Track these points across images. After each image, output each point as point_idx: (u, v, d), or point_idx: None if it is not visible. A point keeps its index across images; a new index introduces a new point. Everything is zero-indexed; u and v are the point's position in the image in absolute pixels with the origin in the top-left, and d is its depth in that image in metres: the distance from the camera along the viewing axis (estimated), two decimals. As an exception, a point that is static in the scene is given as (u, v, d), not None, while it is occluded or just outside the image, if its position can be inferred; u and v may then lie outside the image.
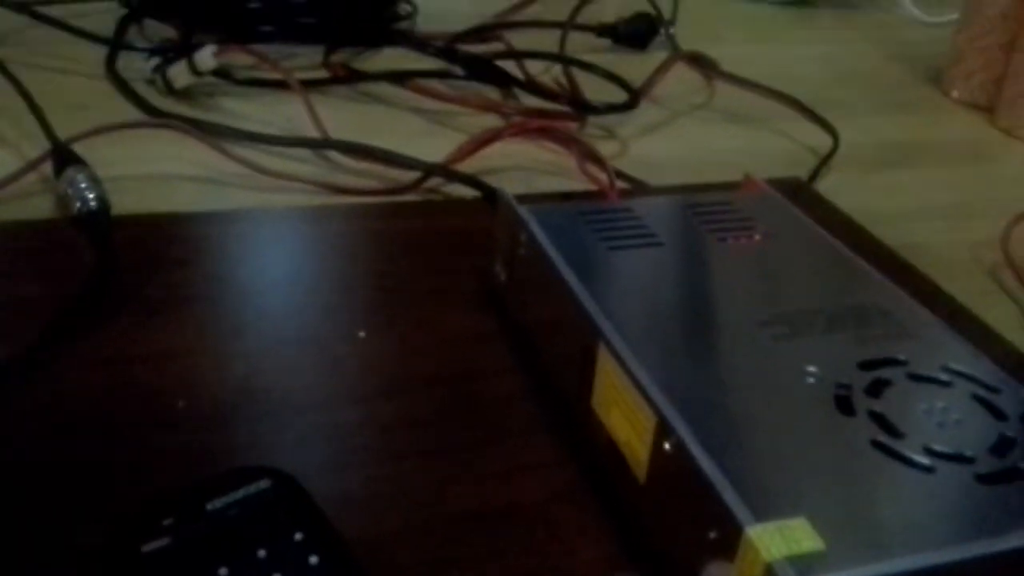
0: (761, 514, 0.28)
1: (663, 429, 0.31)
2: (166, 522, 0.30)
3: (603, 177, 0.59)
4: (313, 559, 0.29)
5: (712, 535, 0.29)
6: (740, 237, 0.44)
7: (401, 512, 0.35)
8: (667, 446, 0.31)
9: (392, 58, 0.79)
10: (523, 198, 0.45)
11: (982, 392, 0.34)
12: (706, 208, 0.46)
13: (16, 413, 0.38)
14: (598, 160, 0.61)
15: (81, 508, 0.34)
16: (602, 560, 0.34)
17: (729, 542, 0.28)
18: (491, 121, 0.69)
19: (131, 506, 0.32)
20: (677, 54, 0.79)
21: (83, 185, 0.50)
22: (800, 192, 0.60)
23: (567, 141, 0.64)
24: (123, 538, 0.30)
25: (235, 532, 0.30)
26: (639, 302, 0.38)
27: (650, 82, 0.73)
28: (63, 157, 0.52)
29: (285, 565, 0.29)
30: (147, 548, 0.29)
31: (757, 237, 0.44)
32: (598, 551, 0.34)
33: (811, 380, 0.34)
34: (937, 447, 0.31)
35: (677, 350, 0.35)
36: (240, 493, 0.31)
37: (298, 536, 0.30)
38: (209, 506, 0.31)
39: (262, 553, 0.29)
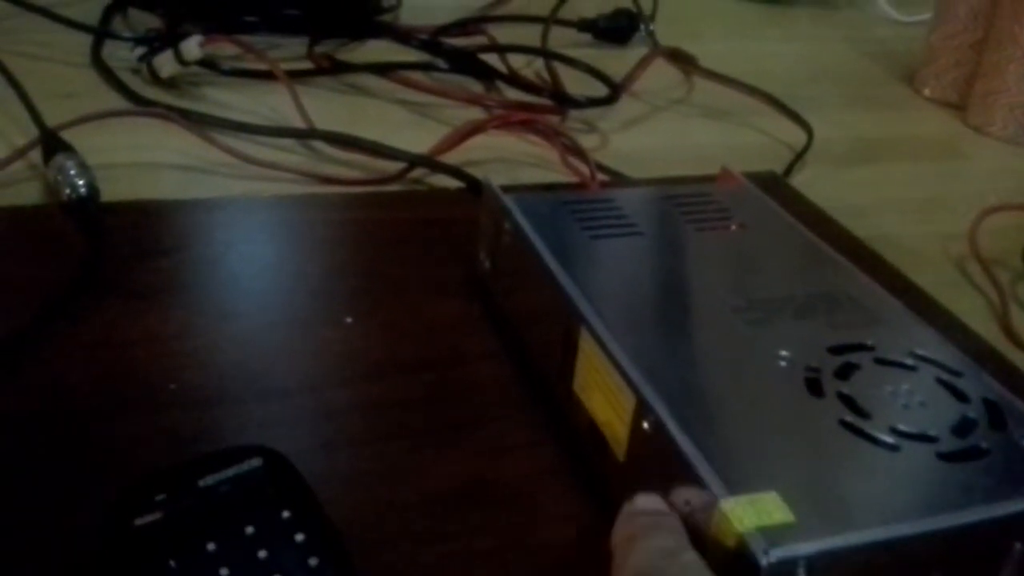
0: (734, 488, 0.29)
1: (642, 409, 0.33)
2: (159, 497, 0.31)
3: (585, 169, 0.61)
4: (299, 537, 0.30)
5: (687, 508, 0.30)
6: (717, 227, 0.45)
7: (388, 489, 0.36)
8: (646, 425, 0.32)
9: (376, 50, 0.79)
10: (507, 189, 0.46)
11: (946, 376, 0.36)
12: (684, 199, 0.48)
13: (7, 396, 0.39)
14: (580, 153, 0.62)
15: (74, 488, 0.35)
16: (582, 535, 0.35)
17: (704, 515, 0.29)
18: (474, 113, 0.70)
19: (123, 486, 0.33)
20: (657, 50, 0.80)
21: (72, 172, 0.51)
22: (775, 185, 0.62)
23: (549, 134, 0.65)
24: (117, 512, 0.31)
25: (225, 508, 0.31)
26: (620, 288, 0.39)
27: (630, 77, 0.75)
28: (52, 144, 0.53)
29: (271, 542, 0.30)
30: (139, 522, 0.30)
31: (733, 227, 0.46)
32: (578, 526, 0.36)
33: (783, 363, 0.35)
34: (902, 427, 0.33)
35: (656, 334, 0.37)
36: (232, 471, 0.32)
37: (286, 514, 0.31)
38: (201, 483, 0.31)
39: (249, 530, 0.30)
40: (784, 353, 0.36)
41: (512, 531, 0.35)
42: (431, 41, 0.77)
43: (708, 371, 0.35)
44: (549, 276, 0.40)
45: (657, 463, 0.32)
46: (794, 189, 0.64)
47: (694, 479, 0.30)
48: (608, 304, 0.38)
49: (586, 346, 0.37)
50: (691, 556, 0.28)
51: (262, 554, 0.29)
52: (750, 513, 0.28)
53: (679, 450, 0.31)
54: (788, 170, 0.67)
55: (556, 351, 0.39)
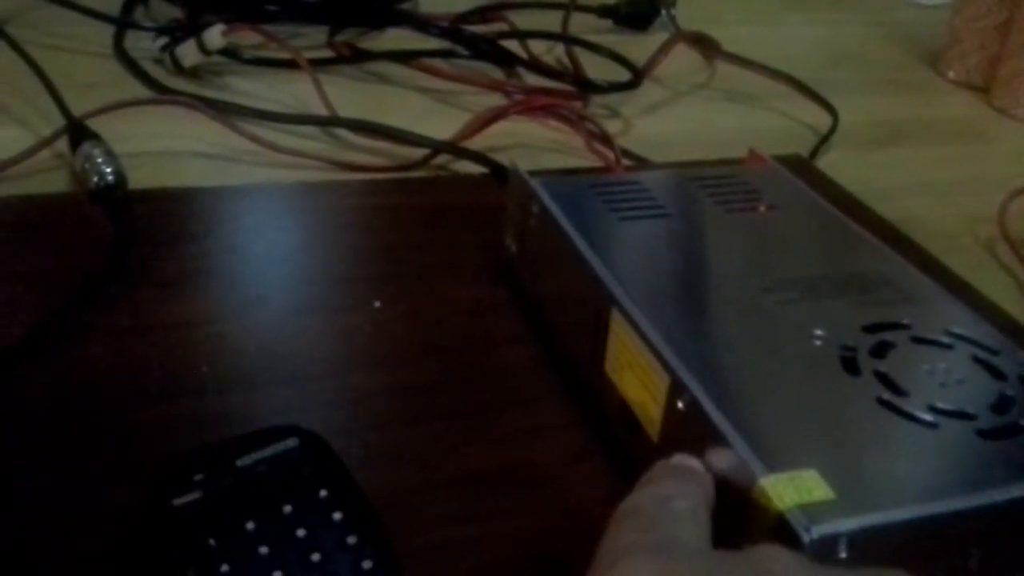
0: (773, 466, 0.29)
1: (676, 388, 0.33)
2: (197, 477, 0.31)
3: (609, 154, 0.60)
4: (337, 515, 0.30)
5: (724, 486, 0.30)
6: (745, 208, 0.45)
7: (420, 471, 0.36)
8: (680, 404, 0.32)
9: (396, 38, 0.79)
10: (531, 174, 0.46)
11: (982, 354, 0.35)
12: (712, 181, 0.47)
13: (44, 382, 0.39)
14: (604, 138, 0.62)
15: (111, 470, 0.35)
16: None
17: (742, 493, 0.29)
18: (495, 100, 0.70)
19: (160, 467, 0.33)
20: (679, 34, 0.80)
21: (100, 160, 0.51)
22: (801, 168, 0.61)
23: (574, 119, 0.65)
24: (156, 492, 0.31)
25: (263, 488, 0.31)
26: (649, 269, 0.39)
27: (653, 61, 0.74)
28: (79, 133, 0.53)
29: (309, 520, 0.30)
30: (178, 502, 0.30)
31: (762, 208, 0.45)
32: (612, 508, 0.35)
33: (817, 342, 0.35)
34: (940, 405, 0.32)
35: (687, 314, 0.36)
36: (269, 451, 0.32)
37: (323, 493, 0.31)
38: (239, 463, 0.32)
39: (288, 508, 0.30)
40: (818, 332, 0.35)
41: (544, 513, 0.35)
42: (451, 28, 0.77)
43: (741, 350, 0.35)
44: (579, 258, 0.40)
45: (692, 442, 0.32)
46: (820, 171, 0.63)
47: (732, 457, 0.29)
48: (639, 285, 0.38)
49: (618, 327, 0.37)
50: (684, 504, 0.28)
51: (300, 532, 0.29)
52: (790, 490, 0.28)
53: (715, 428, 0.30)
54: (814, 153, 0.67)
55: (587, 333, 0.39)
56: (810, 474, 0.29)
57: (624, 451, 0.37)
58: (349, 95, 0.68)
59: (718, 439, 0.30)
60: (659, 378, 0.34)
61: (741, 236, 0.43)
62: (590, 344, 0.39)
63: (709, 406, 0.31)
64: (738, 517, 0.29)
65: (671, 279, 0.39)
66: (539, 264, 0.45)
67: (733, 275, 0.39)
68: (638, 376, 0.35)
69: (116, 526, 0.32)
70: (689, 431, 0.32)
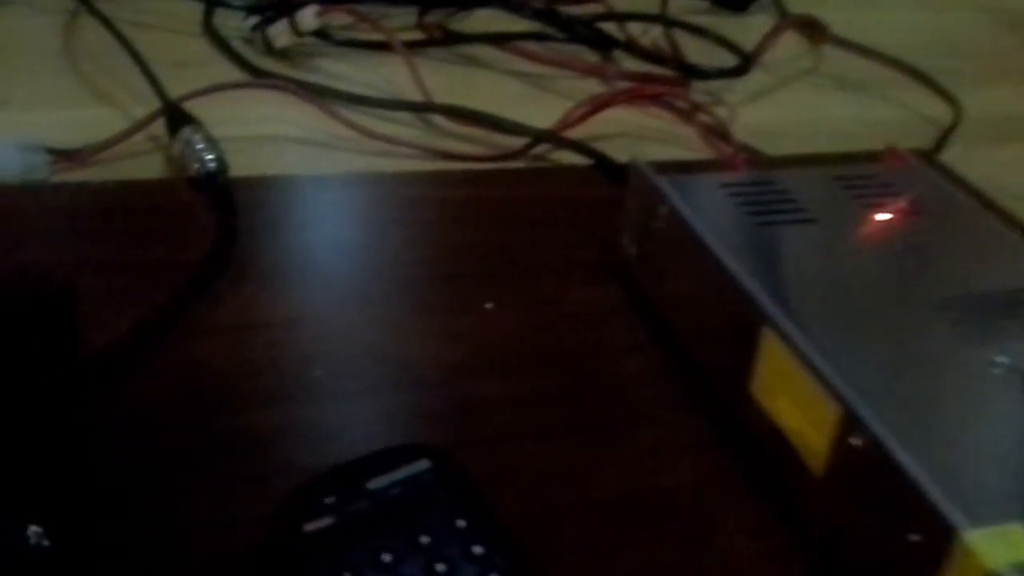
0: (976, 518, 0.26)
1: (850, 422, 0.29)
2: (328, 500, 0.29)
3: (724, 147, 0.57)
4: (477, 549, 0.28)
5: (914, 538, 0.27)
6: (894, 212, 0.42)
7: (553, 492, 0.34)
8: (856, 441, 0.29)
9: (486, 19, 0.76)
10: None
11: None
12: (854, 181, 0.44)
13: (145, 382, 0.37)
14: (720, 130, 0.58)
15: (230, 480, 0.33)
16: (768, 553, 0.32)
17: (937, 546, 0.26)
18: (590, 85, 0.66)
19: (281, 478, 0.31)
20: (789, 18, 0.75)
21: (200, 146, 0.49)
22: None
23: (687, 110, 0.61)
24: (285, 516, 0.29)
25: (398, 514, 0.29)
26: (800, 282, 0.36)
27: (761, 46, 0.70)
28: (177, 117, 0.51)
29: (449, 553, 0.28)
30: (310, 527, 0.28)
31: (913, 213, 0.42)
32: (763, 543, 0.33)
33: (998, 371, 0.32)
34: None
35: (851, 336, 0.33)
36: (401, 472, 0.30)
37: (461, 523, 0.29)
38: (370, 485, 0.29)
39: (425, 540, 0.28)
40: (1000, 360, 0.32)
41: (690, 545, 0.32)
42: (545, 10, 0.74)
43: (917, 379, 0.31)
44: (718, 267, 0.37)
45: (869, 482, 0.29)
46: (952, 170, 0.59)
47: (923, 505, 0.26)
48: (792, 300, 0.35)
49: (771, 347, 0.34)
50: None
51: (440, 568, 0.27)
52: (1000, 547, 0.25)
53: (903, 472, 0.27)
54: (937, 147, 0.62)
55: (724, 347, 0.36)
56: (1018, 528, 0.25)
57: (772, 479, 0.34)
58: (440, 78, 0.65)
59: (906, 484, 0.27)
60: (826, 408, 0.30)
61: (895, 246, 0.39)
62: (732, 361, 0.36)
63: (894, 445, 0.28)
64: (929, 571, 0.26)
65: (826, 294, 0.36)
66: (666, 269, 0.42)
67: (894, 290, 0.36)
68: (797, 402, 0.32)
69: (233, 538, 0.30)
70: (865, 470, 0.29)
